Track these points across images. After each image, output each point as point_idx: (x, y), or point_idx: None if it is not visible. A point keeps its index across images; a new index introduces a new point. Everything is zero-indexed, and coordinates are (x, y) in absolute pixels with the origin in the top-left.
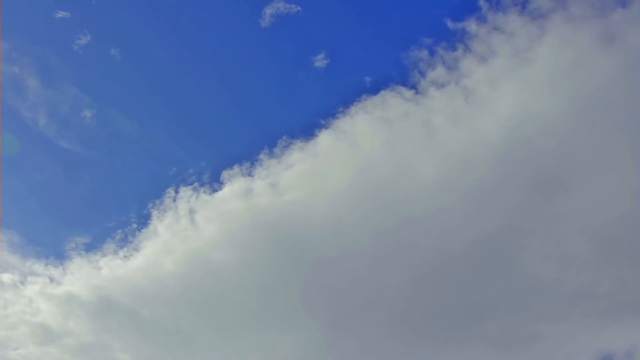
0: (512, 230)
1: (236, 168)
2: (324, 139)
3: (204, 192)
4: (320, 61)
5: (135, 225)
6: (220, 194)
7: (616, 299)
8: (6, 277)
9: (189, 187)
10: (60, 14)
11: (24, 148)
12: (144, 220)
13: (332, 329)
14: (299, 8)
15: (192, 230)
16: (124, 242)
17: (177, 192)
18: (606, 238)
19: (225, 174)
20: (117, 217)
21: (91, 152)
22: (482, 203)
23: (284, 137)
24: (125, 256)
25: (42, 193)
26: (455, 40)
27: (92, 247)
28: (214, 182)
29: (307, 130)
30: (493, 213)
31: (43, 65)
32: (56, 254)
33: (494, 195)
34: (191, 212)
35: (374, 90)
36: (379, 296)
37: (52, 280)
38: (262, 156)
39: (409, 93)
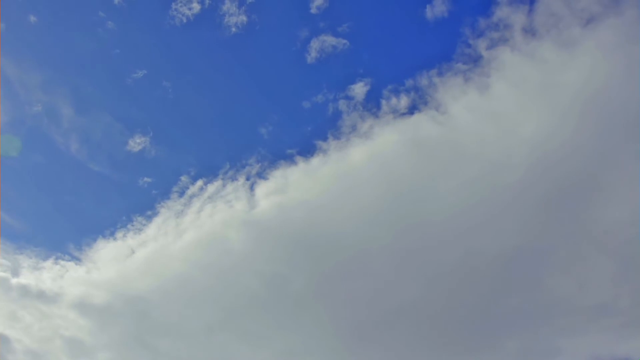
0: (534, 246)
1: (272, 182)
2: (357, 156)
3: (240, 208)
4: (359, 88)
5: (170, 239)
6: (256, 210)
7: (635, 314)
8: (40, 290)
9: (227, 204)
10: (117, 51)
11: (56, 171)
12: (179, 234)
13: (357, 338)
14: (346, 41)
15: (227, 244)
16: (160, 254)
17: (214, 208)
18: (625, 254)
19: (259, 190)
20: (151, 231)
21: (120, 174)
22: (506, 220)
23: (319, 154)
24: (158, 269)
25: (71, 212)
26: (489, 67)
27: (125, 259)
28: (250, 198)
29: (342, 148)
30: (515, 230)
31: (79, 95)
32: (87, 268)
33: (517, 212)
34: (226, 226)
35: (409, 113)
36: (404, 307)
37: (84, 293)
38: (296, 171)
39: (441, 117)
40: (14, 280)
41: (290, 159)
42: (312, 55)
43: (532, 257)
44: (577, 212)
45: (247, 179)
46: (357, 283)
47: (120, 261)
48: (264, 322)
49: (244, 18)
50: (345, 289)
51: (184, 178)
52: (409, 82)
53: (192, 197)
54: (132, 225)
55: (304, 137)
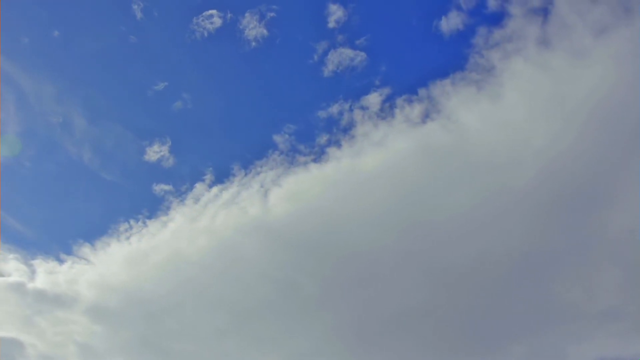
0: (542, 252)
1: (285, 189)
2: (369, 163)
3: (254, 214)
4: (374, 98)
5: (184, 244)
6: (269, 216)
7: None
8: (55, 295)
9: (241, 210)
10: (139, 64)
11: (68, 180)
12: (193, 239)
13: (364, 342)
14: (364, 53)
15: (240, 250)
16: (173, 259)
17: (228, 214)
18: (632, 260)
19: (272, 196)
20: (166, 236)
21: (137, 181)
22: (515, 226)
23: (332, 162)
24: (171, 273)
25: (86, 218)
26: (502, 77)
27: (139, 263)
28: (264, 204)
29: (355, 156)
30: (524, 236)
31: (100, 107)
32: (101, 272)
33: (526, 219)
34: (239, 232)
35: (422, 121)
36: (411, 311)
37: (98, 297)
38: (310, 178)
39: (453, 125)
40: (30, 285)
41: (303, 166)
42: (330, 67)
43: (540, 262)
44: (585, 218)
45: (262, 186)
46: (364, 288)
47: (133, 265)
48: (273, 326)
49: (264, 31)
50: (353, 294)
51: (199, 185)
52: (423, 92)
53: (207, 203)
54: (147, 230)
55: (318, 145)
